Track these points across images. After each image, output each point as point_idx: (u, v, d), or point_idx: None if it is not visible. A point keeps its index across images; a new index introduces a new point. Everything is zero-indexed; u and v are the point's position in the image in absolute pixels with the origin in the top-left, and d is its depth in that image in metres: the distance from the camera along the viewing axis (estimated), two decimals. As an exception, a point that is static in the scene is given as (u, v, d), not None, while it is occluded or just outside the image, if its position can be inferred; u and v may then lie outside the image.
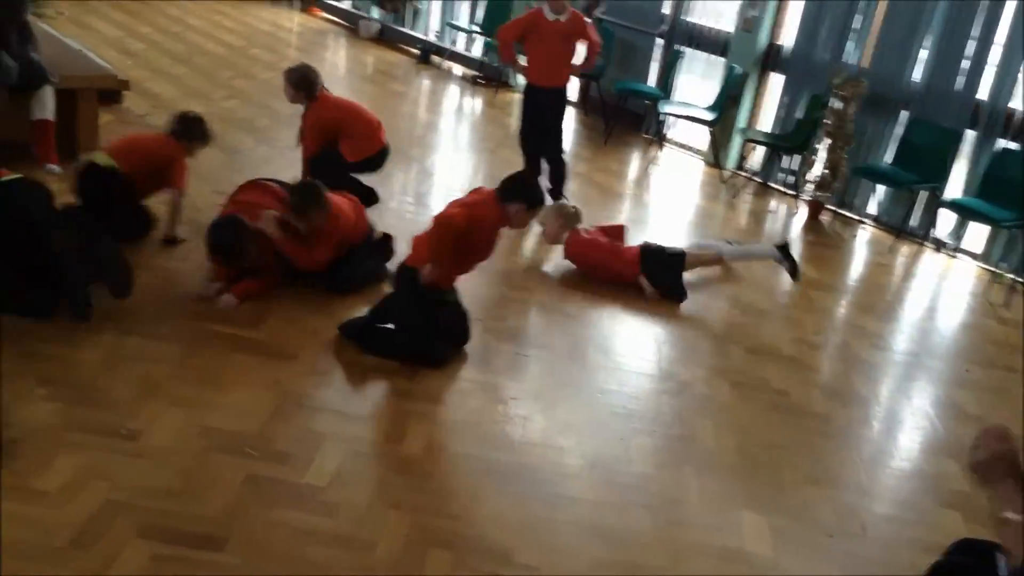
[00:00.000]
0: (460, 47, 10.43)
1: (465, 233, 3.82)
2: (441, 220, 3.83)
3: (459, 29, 10.29)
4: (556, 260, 5.28)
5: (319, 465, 3.16)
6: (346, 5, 11.85)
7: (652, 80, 8.65)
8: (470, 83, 9.66)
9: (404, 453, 3.34)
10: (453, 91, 9.46)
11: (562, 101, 6.11)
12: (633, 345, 4.54)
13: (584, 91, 9.32)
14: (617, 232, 5.43)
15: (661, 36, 8.54)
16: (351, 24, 11.34)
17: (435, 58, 10.30)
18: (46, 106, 5.10)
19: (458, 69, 10.17)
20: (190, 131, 4.76)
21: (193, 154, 4.82)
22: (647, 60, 8.67)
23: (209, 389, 3.51)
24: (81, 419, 3.18)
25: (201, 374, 3.61)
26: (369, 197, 5.35)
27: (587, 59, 6.20)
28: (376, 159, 5.52)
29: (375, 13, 11.08)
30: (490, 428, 3.59)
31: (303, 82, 5.32)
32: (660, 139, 8.20)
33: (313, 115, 5.34)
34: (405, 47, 10.72)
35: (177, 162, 4.67)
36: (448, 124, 8.41)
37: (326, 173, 4.98)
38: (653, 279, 5.04)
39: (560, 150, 6.16)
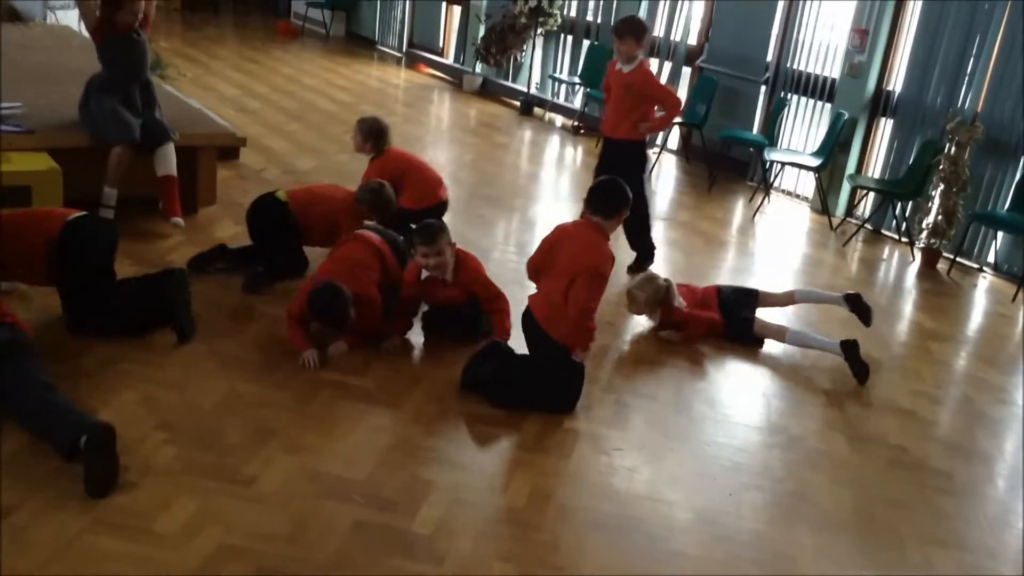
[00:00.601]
0: (561, 98, 10.56)
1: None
2: (594, 270, 3.92)
3: (560, 81, 10.43)
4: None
5: (425, 513, 3.18)
6: (450, 61, 12.16)
7: (756, 127, 8.57)
8: (571, 133, 9.75)
9: (509, 503, 3.33)
10: (554, 141, 9.56)
11: (627, 155, 5.61)
12: (740, 396, 4.44)
13: (686, 139, 9.29)
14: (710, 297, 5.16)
15: (765, 83, 8.47)
16: (455, 79, 11.62)
17: (536, 109, 10.44)
18: (169, 162, 5.35)
19: (559, 119, 10.28)
20: (373, 201, 4.98)
21: (364, 222, 5.02)
22: (751, 107, 8.60)
23: (320, 435, 3.58)
24: (198, 463, 3.28)
25: (312, 421, 3.68)
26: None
27: (663, 117, 5.72)
28: (433, 211, 5.55)
29: (478, 67, 11.33)
30: (595, 479, 3.55)
31: (373, 133, 5.48)
32: (766, 186, 8.09)
33: (378, 165, 5.46)
34: (507, 99, 10.91)
35: (348, 222, 4.89)
36: (549, 174, 8.49)
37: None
38: (731, 335, 4.92)
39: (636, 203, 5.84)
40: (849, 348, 4.70)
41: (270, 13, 15.13)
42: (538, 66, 10.92)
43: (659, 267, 5.95)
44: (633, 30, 5.44)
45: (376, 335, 4.35)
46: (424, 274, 4.43)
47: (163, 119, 5.47)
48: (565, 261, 4.02)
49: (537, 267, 4.23)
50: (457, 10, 12.17)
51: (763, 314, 5.02)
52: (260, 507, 3.10)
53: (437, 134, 9.38)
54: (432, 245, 4.29)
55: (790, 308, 5.26)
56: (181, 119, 5.80)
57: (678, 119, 6.73)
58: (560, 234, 4.15)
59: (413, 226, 5.17)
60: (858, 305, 5.01)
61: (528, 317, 4.15)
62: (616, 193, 4.18)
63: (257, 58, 11.51)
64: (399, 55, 12.97)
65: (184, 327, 4.16)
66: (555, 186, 8.10)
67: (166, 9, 13.67)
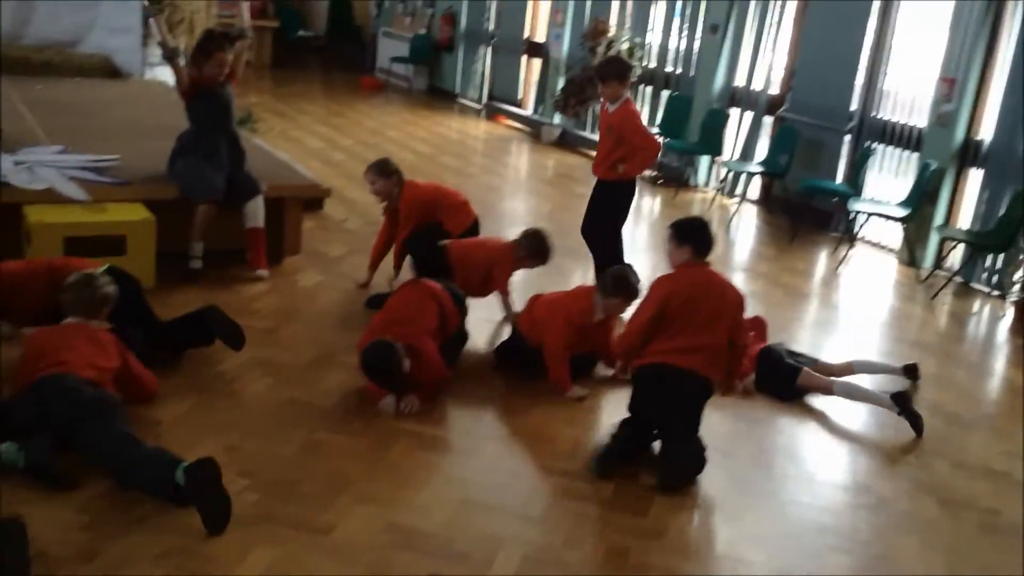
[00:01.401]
0: (640, 149, 10.56)
1: None
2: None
3: (639, 131, 10.44)
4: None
5: (498, 567, 3.15)
6: (529, 112, 12.31)
7: (840, 177, 8.43)
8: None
9: (583, 560, 3.28)
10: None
11: (606, 195, 5.57)
12: (825, 454, 4.32)
13: (767, 189, 9.20)
14: (759, 327, 5.12)
15: (849, 132, 8.34)
16: (533, 130, 11.74)
17: (616, 160, 10.46)
18: (258, 215, 5.50)
19: (638, 170, 10.28)
20: (536, 246, 5.11)
21: (523, 267, 5.20)
22: (834, 157, 8.48)
23: (395, 486, 3.60)
24: (277, 511, 3.32)
25: (388, 471, 3.70)
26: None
27: (638, 160, 5.46)
28: (474, 230, 5.66)
29: (556, 119, 11.43)
30: (673, 537, 3.48)
31: (389, 167, 5.47)
32: (850, 237, 7.93)
33: (408, 197, 5.47)
34: (585, 150, 10.97)
35: (502, 265, 5.10)
36: (627, 225, 8.43)
37: (425, 251, 5.27)
38: (761, 383, 4.76)
39: (597, 246, 5.71)
40: (901, 400, 4.51)
41: (356, 68, 15.57)
42: (617, 117, 10.97)
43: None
44: (616, 72, 5.44)
45: (437, 384, 4.34)
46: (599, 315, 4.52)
47: (251, 172, 5.64)
48: (714, 308, 3.93)
49: (649, 331, 3.95)
50: (537, 63, 12.34)
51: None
52: (337, 557, 3.11)
53: (515, 185, 9.47)
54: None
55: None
56: (269, 171, 5.98)
57: (656, 161, 6.38)
58: (685, 287, 3.93)
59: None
60: (906, 408, 4.56)
61: (679, 378, 3.89)
62: (704, 227, 4.14)
63: (342, 112, 11.83)
64: (479, 107, 13.18)
65: (231, 335, 4.32)
66: (632, 237, 8.05)
67: (257, 66, 14.19)
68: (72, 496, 3.24)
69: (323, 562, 3.07)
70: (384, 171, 5.44)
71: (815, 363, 4.91)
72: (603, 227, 5.73)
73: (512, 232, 6.81)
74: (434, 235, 5.39)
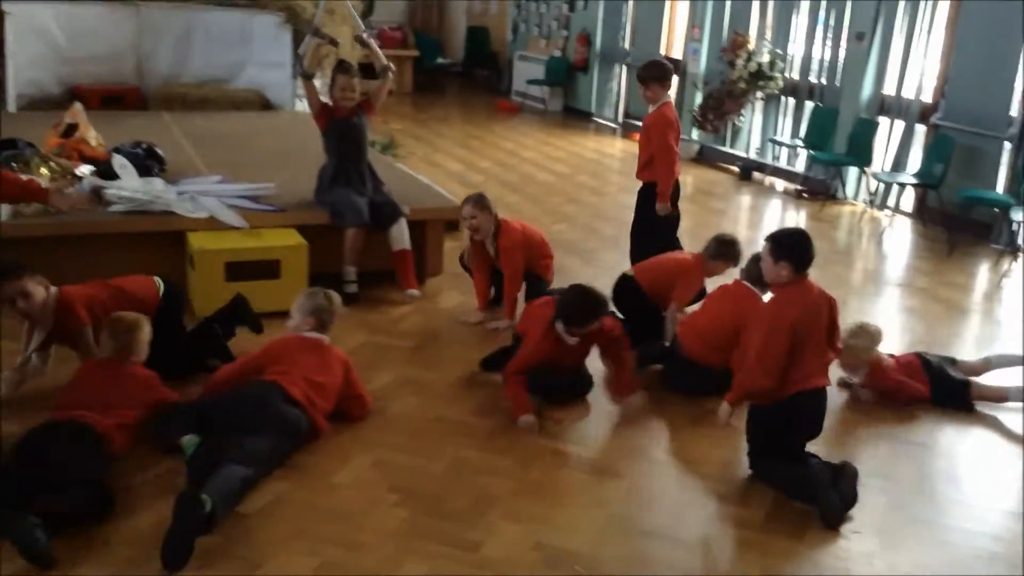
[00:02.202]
0: (782, 162, 10.30)
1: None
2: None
3: (781, 144, 10.19)
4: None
5: (649, 590, 3.10)
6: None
7: (1001, 186, 7.97)
8: (794, 197, 9.47)
9: (737, 584, 3.18)
10: (775, 206, 9.31)
11: (644, 197, 5.61)
12: (994, 478, 4.05)
13: (921, 200, 8.78)
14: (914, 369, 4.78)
15: (1009, 139, 7.88)
16: (671, 146, 11.61)
17: (756, 174, 10.23)
18: (403, 237, 5.64)
19: (780, 184, 10.02)
20: (721, 251, 5.08)
21: (713, 272, 5.16)
22: (994, 165, 8.02)
23: (541, 504, 3.59)
24: (427, 527, 3.37)
25: (533, 488, 3.70)
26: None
27: (658, 180, 5.45)
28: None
29: (694, 134, 11.28)
30: (829, 563, 3.33)
31: (487, 202, 5.29)
32: (1013, 249, 7.46)
33: (510, 242, 5.31)
34: (725, 165, 10.77)
35: (687, 276, 5.06)
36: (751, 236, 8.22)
37: (536, 293, 5.26)
38: (941, 400, 4.59)
39: (640, 249, 5.65)
40: None
41: (492, 92, 15.82)
42: (758, 130, 10.73)
43: (896, 336, 5.61)
44: (657, 75, 5.47)
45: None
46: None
47: (393, 196, 5.78)
48: (825, 322, 3.80)
49: (785, 363, 3.67)
50: (673, 79, 12.21)
51: None
52: (485, 574, 3.13)
53: (654, 202, 9.36)
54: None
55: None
56: (411, 195, 6.12)
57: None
58: (806, 312, 3.70)
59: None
60: None
61: (824, 399, 3.81)
62: (805, 240, 3.84)
63: (480, 135, 12.02)
64: (615, 126, 13.15)
65: (251, 320, 4.58)
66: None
67: (398, 94, 14.61)
68: (237, 510, 3.38)
69: (472, 579, 3.10)
70: (484, 206, 5.26)
71: (955, 363, 4.82)
72: (647, 230, 5.77)
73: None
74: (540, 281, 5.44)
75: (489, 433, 4.12)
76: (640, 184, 5.69)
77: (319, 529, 3.31)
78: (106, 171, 5.56)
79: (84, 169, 5.62)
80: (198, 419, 3.69)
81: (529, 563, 3.20)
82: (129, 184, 5.41)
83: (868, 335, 4.67)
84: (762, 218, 8.95)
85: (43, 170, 5.41)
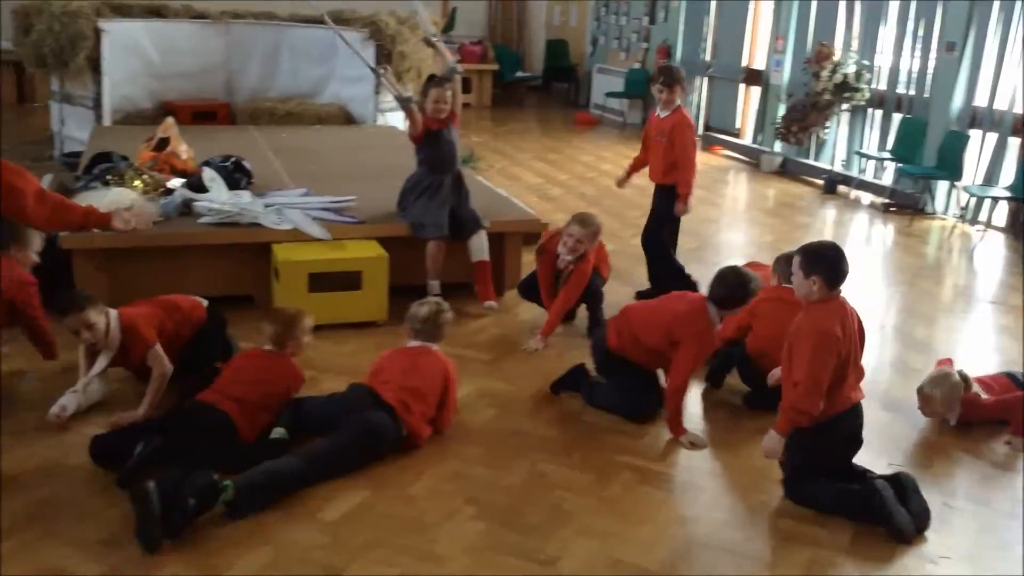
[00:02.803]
0: (868, 175, 10.06)
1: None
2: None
3: (868, 157, 9.95)
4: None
5: (728, 611, 3.04)
6: (747, 141, 12.03)
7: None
8: (880, 211, 9.24)
9: (819, 608, 3.10)
10: (861, 220, 9.09)
11: (664, 200, 5.94)
12: (1094, 506, 3.87)
13: (1015, 215, 8.48)
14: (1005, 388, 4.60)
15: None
16: (752, 159, 11.46)
17: (841, 187, 10.02)
18: (483, 249, 5.68)
19: (866, 197, 9.79)
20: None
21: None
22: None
23: (618, 520, 3.56)
24: (503, 540, 3.37)
25: (610, 505, 3.67)
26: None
27: (681, 183, 5.79)
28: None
29: (777, 147, 11.10)
30: (918, 590, 3.23)
31: (598, 231, 5.26)
32: (1115, 266, 7.14)
33: (591, 258, 5.27)
34: (809, 178, 10.57)
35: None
36: (856, 255, 8.02)
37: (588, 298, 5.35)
38: None
39: (657, 253, 6.05)
40: None
41: (570, 105, 15.83)
42: (843, 143, 10.51)
43: (987, 355, 5.42)
44: (679, 79, 5.74)
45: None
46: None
47: (475, 209, 5.83)
48: (859, 338, 3.75)
49: (830, 377, 3.58)
50: (756, 90, 12.06)
51: None
52: (561, 589, 3.12)
53: (733, 215, 9.25)
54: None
55: None
56: (490, 207, 6.16)
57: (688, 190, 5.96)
58: (846, 330, 3.59)
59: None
60: None
61: (861, 414, 3.77)
62: (839, 254, 3.67)
63: (558, 148, 12.03)
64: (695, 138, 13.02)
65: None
66: (863, 267, 7.65)
67: (477, 107, 14.75)
68: (316, 517, 3.44)
69: (548, 594, 3.09)
70: (595, 234, 5.20)
71: None
72: (663, 233, 6.03)
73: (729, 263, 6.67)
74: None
75: (566, 447, 4.11)
76: (647, 185, 6.01)
77: (396, 539, 3.34)
78: (196, 184, 5.74)
79: (175, 182, 5.81)
80: (294, 415, 3.92)
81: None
82: (218, 197, 5.57)
83: (949, 386, 4.42)
84: (848, 232, 8.75)
85: (136, 183, 5.61)
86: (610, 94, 14.35)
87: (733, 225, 8.73)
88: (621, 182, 6.38)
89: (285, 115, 9.43)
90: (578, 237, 5.16)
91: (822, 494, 3.66)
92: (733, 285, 4.23)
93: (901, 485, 3.62)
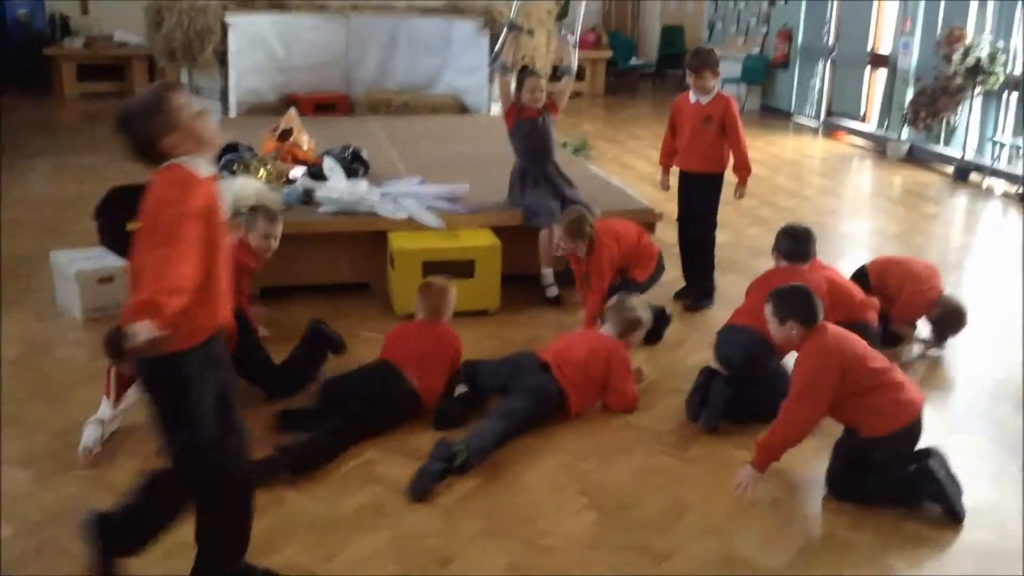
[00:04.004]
0: (1003, 163, 9.54)
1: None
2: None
3: (1002, 144, 9.44)
4: None
5: (849, 615, 2.95)
6: (872, 128, 11.58)
7: None
8: (1016, 200, 8.75)
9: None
10: (994, 210, 8.64)
11: (708, 189, 5.68)
12: None
13: None
14: None
15: None
16: (878, 146, 11.03)
17: (973, 175, 9.54)
18: (594, 238, 5.63)
19: (1000, 186, 9.29)
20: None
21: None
22: None
23: (734, 517, 3.48)
24: (615, 532, 3.35)
25: (725, 499, 3.59)
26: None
27: (739, 168, 5.65)
28: (657, 274, 5.37)
29: (904, 133, 10.65)
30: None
31: (585, 228, 5.01)
32: None
33: (604, 254, 5.03)
34: (938, 166, 10.11)
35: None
36: (987, 248, 7.62)
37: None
38: None
39: (706, 247, 5.77)
40: None
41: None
42: (975, 128, 10.00)
43: None
44: (716, 62, 5.46)
45: None
46: None
47: (582, 198, 5.78)
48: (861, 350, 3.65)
49: (821, 413, 3.60)
50: (882, 74, 11.59)
51: None
52: (674, 585, 3.07)
53: (856, 205, 8.92)
54: None
55: None
56: (602, 196, 6.10)
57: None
58: (834, 357, 3.50)
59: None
60: None
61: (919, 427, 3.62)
62: (808, 295, 3.63)
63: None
64: (816, 125, 12.62)
65: (335, 341, 4.51)
66: (995, 260, 7.27)
67: (590, 95, 14.65)
68: (435, 502, 3.49)
69: (661, 589, 3.05)
70: (580, 233, 4.98)
71: None
72: (711, 225, 5.74)
73: (851, 256, 6.46)
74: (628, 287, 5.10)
75: (680, 441, 4.04)
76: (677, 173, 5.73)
77: (508, 528, 3.35)
78: (316, 173, 5.88)
79: (297, 171, 5.97)
80: (470, 377, 4.22)
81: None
82: (337, 186, 5.69)
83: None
84: (979, 222, 8.33)
85: (261, 172, 5.79)
86: (727, 80, 14.02)
87: (856, 215, 8.42)
88: (665, 183, 5.97)
89: (401, 106, 9.58)
90: (558, 241, 5.07)
91: (874, 484, 3.55)
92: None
93: (940, 459, 3.58)
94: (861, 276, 5.22)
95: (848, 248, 6.99)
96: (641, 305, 4.53)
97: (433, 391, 4.13)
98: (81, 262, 5.18)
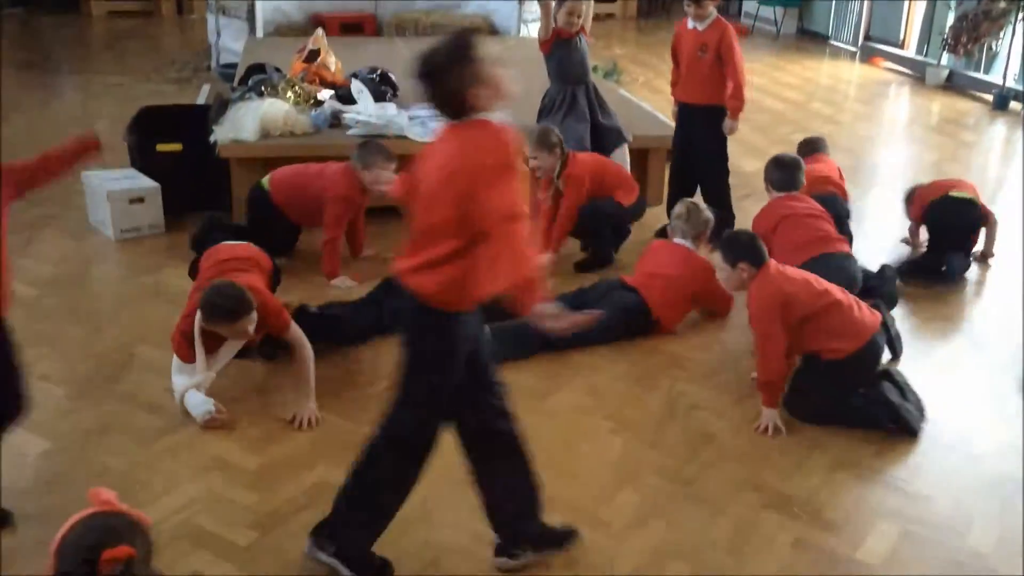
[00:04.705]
0: (1046, 90, 9.29)
1: None
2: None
3: (1046, 71, 9.18)
4: None
5: (871, 543, 2.97)
6: (911, 53, 11.28)
7: None
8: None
9: (974, 546, 2.99)
10: (1034, 139, 8.44)
11: (710, 124, 5.31)
12: None
13: None
14: None
15: None
16: (916, 72, 10.76)
17: (1013, 104, 9.30)
18: (625, 163, 5.57)
19: (1042, 115, 9.06)
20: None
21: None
22: None
23: (759, 446, 3.50)
24: (642, 458, 3.39)
25: (752, 428, 3.61)
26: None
27: (732, 101, 5.24)
28: (642, 202, 5.30)
29: (944, 59, 10.38)
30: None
31: (551, 138, 4.88)
32: None
33: (576, 170, 4.95)
34: (978, 93, 9.86)
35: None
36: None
37: (599, 222, 5.04)
38: None
39: (719, 189, 5.50)
40: None
41: (720, 14, 15.18)
42: (1017, 55, 9.70)
43: None
44: None
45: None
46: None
47: (617, 123, 5.70)
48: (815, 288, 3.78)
49: (781, 341, 3.65)
50: (922, -2, 11.24)
51: None
52: (700, 509, 3.11)
53: (892, 133, 8.76)
54: None
55: None
56: (634, 122, 6.02)
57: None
58: (783, 290, 3.62)
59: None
60: None
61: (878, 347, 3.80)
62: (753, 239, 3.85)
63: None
64: (853, 50, 12.30)
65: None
66: (1034, 190, 7.14)
67: (622, 18, 14.34)
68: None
69: (687, 513, 3.10)
70: (546, 143, 4.85)
71: None
72: (716, 159, 5.44)
73: (887, 184, 6.36)
74: (605, 209, 5.04)
75: (708, 370, 4.05)
76: (681, 106, 5.46)
77: (534, 452, 3.38)
78: (345, 96, 5.83)
79: (325, 93, 5.92)
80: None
81: (747, 503, 3.15)
82: (365, 109, 5.64)
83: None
84: (1017, 152, 8.15)
85: (289, 94, 5.74)
86: (764, 2, 13.67)
87: (892, 143, 8.27)
88: (674, 116, 5.62)
89: (429, 26, 9.41)
90: (529, 155, 4.82)
91: (826, 408, 3.63)
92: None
93: (894, 381, 3.73)
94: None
95: (884, 178, 6.87)
96: (703, 205, 4.62)
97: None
98: (112, 182, 5.20)
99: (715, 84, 5.27)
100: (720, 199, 5.41)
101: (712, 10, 5.30)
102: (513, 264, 2.27)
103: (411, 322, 2.52)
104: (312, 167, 4.81)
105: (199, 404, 3.46)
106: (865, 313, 3.68)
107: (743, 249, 3.70)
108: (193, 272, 4.24)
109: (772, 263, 3.69)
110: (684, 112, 5.46)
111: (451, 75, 2.34)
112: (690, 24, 5.31)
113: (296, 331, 3.61)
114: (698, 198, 5.20)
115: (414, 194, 2.48)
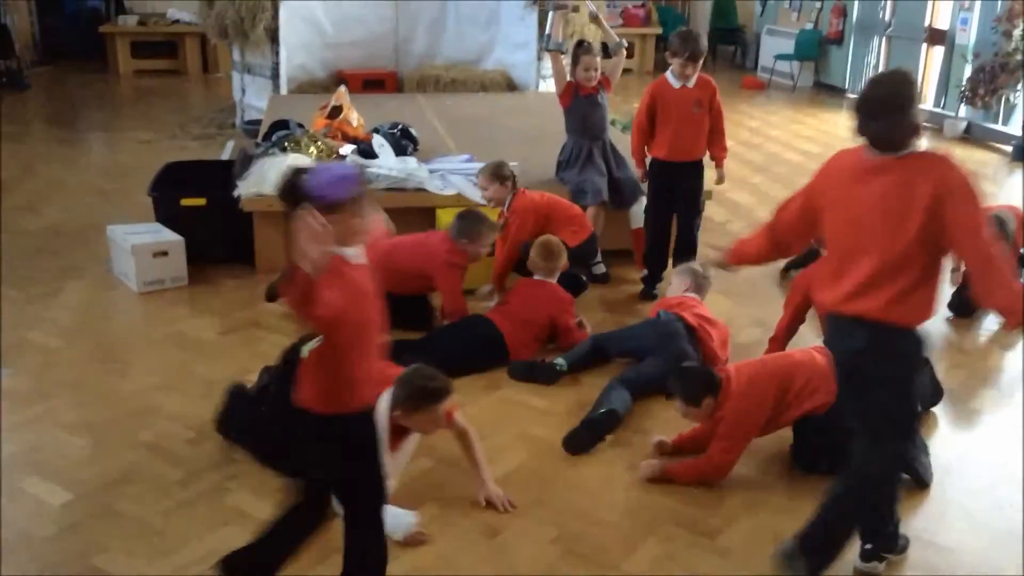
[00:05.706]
0: (1065, 141, 9.29)
1: None
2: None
3: (1065, 122, 9.19)
4: None
5: None
6: (929, 105, 11.34)
7: None
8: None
9: None
10: (1055, 190, 8.41)
11: (699, 179, 5.44)
12: None
13: None
14: None
15: None
16: (934, 124, 10.80)
17: (1033, 155, 9.29)
18: (641, 217, 5.61)
19: (1062, 165, 9.05)
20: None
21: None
22: None
23: (782, 496, 3.46)
24: (665, 509, 3.35)
25: (776, 484, 3.57)
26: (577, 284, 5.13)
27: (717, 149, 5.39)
28: (591, 243, 5.30)
29: (962, 111, 10.41)
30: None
31: (503, 171, 5.13)
32: None
33: (522, 203, 5.12)
34: (996, 145, 9.87)
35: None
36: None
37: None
38: None
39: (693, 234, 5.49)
40: None
41: (737, 68, 15.35)
42: (1036, 106, 9.74)
43: None
44: (704, 49, 5.20)
45: None
46: None
47: (632, 175, 5.72)
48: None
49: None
50: (939, 50, 11.32)
51: None
52: (723, 562, 3.07)
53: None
54: None
55: None
56: (652, 174, 6.06)
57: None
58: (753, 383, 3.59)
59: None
60: None
61: None
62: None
63: (723, 113, 11.66)
64: (870, 102, 12.36)
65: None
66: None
67: (639, 72, 14.52)
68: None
69: (709, 564, 3.05)
70: (498, 175, 5.11)
71: None
72: (700, 209, 5.59)
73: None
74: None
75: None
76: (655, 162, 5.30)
77: (558, 500, 3.37)
78: (367, 150, 5.91)
79: (347, 148, 6.01)
80: (599, 347, 4.45)
81: (769, 553, 3.10)
82: (386, 162, 5.72)
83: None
84: (1039, 202, 8.13)
85: (311, 149, 5.83)
86: (780, 56, 13.80)
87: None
88: (644, 176, 5.44)
89: (450, 82, 9.56)
90: (481, 186, 5.24)
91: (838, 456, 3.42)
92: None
93: None
94: None
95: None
96: (695, 265, 4.70)
97: (525, 352, 4.44)
98: (137, 236, 5.28)
99: (704, 138, 5.32)
100: (695, 236, 5.43)
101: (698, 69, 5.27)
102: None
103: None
104: (406, 240, 4.65)
105: (399, 515, 3.12)
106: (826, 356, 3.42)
107: (705, 385, 3.52)
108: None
109: (730, 375, 3.54)
110: (668, 168, 5.26)
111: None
112: (675, 83, 5.17)
113: (460, 421, 3.40)
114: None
115: None
